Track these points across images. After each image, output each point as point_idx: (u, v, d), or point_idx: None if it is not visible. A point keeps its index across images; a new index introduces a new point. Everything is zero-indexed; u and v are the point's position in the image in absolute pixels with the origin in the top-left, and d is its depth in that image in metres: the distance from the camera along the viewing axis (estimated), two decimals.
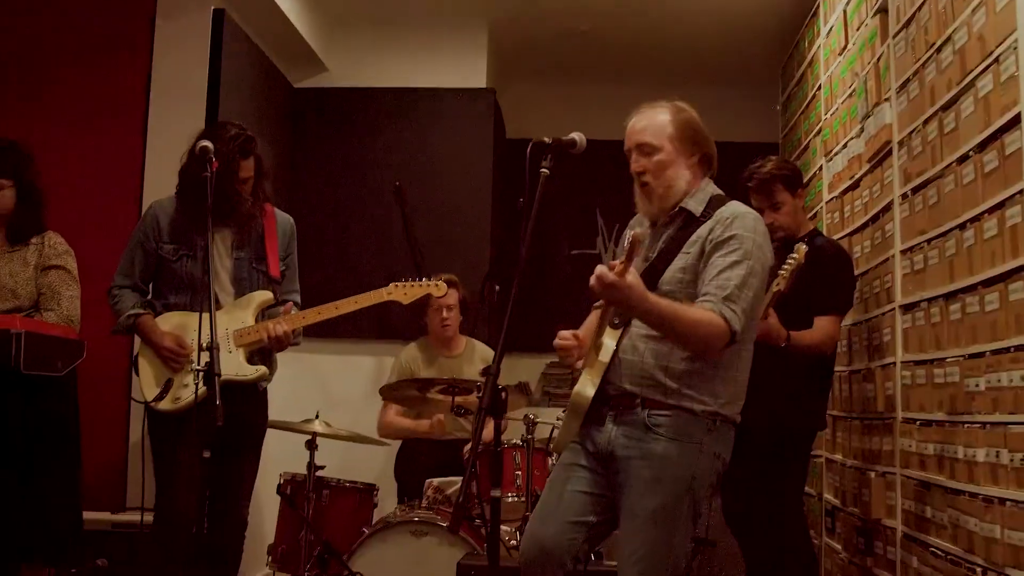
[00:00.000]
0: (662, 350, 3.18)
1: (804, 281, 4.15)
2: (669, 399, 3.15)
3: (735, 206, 3.28)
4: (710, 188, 3.35)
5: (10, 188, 4.39)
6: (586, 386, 3.22)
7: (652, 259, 3.25)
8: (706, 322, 3.06)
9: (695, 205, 3.28)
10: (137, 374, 4.32)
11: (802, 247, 4.16)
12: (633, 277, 2.96)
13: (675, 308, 3.08)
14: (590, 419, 3.25)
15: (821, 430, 4.75)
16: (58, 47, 5.66)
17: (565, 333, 3.39)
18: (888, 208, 4.56)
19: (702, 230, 3.23)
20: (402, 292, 4.61)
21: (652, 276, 3.20)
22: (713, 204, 3.28)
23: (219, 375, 3.61)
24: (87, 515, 4.53)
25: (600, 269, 2.95)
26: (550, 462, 5.10)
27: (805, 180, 6.19)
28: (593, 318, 3.47)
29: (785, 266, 4.10)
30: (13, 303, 4.33)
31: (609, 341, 3.25)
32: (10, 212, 4.42)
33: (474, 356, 5.99)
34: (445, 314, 5.86)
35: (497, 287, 6.63)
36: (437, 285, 4.68)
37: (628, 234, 3.01)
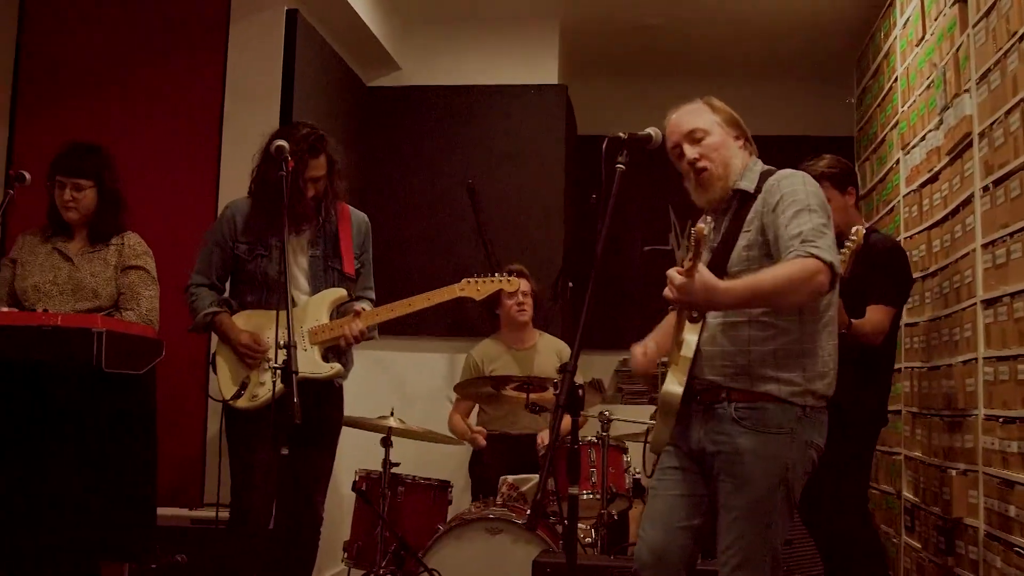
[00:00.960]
0: (741, 336, 3.16)
1: (856, 274, 4.10)
2: (755, 386, 3.13)
3: (779, 173, 3.29)
4: (758, 166, 3.36)
5: (91, 189, 4.47)
6: (674, 384, 3.20)
7: (716, 246, 3.25)
8: (797, 268, 2.99)
9: (747, 184, 3.30)
10: (215, 372, 4.38)
11: (860, 229, 4.11)
12: (702, 274, 2.92)
13: (752, 279, 3.04)
14: (681, 417, 3.24)
15: (883, 426, 4.68)
16: (134, 50, 5.74)
17: (637, 349, 3.42)
18: (968, 201, 4.48)
19: (757, 204, 3.24)
20: (474, 288, 4.64)
21: (719, 262, 3.20)
22: (763, 179, 3.29)
23: (297, 372, 3.64)
24: (166, 511, 4.58)
25: (671, 274, 2.93)
26: (625, 459, 5.09)
27: (882, 174, 6.14)
28: (670, 318, 3.46)
29: (843, 251, 4.07)
30: (94, 303, 4.40)
31: (690, 336, 3.23)
32: (91, 213, 4.49)
33: (546, 349, 5.99)
34: (521, 298, 5.87)
35: (571, 284, 6.62)
36: (509, 281, 4.73)
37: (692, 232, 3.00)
